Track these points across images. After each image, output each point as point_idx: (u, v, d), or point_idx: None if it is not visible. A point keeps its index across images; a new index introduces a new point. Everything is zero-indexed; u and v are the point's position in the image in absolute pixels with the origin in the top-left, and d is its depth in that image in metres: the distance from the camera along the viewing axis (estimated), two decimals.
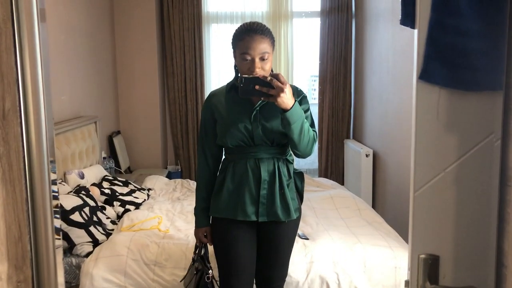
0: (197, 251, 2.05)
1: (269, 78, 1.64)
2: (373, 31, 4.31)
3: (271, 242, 1.97)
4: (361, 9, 4.73)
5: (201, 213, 1.98)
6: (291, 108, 1.69)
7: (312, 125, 1.93)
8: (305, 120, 1.80)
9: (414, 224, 1.17)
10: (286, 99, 1.66)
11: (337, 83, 5.04)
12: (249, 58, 1.76)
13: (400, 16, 1.22)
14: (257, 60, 1.75)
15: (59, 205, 1.04)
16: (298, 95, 1.90)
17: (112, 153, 4.32)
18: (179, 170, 4.92)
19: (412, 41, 2.30)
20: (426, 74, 1.13)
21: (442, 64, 1.11)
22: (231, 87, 1.91)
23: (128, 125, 4.78)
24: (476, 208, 1.10)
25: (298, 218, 2.01)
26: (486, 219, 1.09)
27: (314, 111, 5.83)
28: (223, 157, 1.99)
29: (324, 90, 5.09)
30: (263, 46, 1.76)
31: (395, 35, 3.73)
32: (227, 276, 1.95)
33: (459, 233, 1.13)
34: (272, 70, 1.87)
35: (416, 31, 1.15)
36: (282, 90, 1.64)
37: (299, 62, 5.52)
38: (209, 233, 1.99)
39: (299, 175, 2.01)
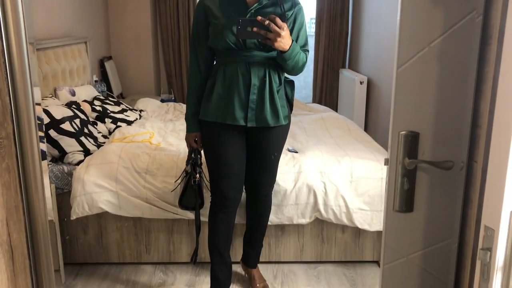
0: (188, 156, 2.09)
1: (266, 22, 1.66)
2: None
3: (260, 147, 1.99)
4: None
5: (192, 118, 1.99)
6: (288, 49, 1.74)
7: (305, 44, 1.91)
8: (299, 51, 1.81)
9: (396, 101, 1.18)
10: (283, 42, 1.70)
11: (335, 11, 4.91)
12: None
13: None
14: None
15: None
16: (293, 5, 1.87)
17: (104, 77, 4.27)
18: (173, 98, 4.89)
19: None
20: None
21: None
22: None
23: (119, 51, 4.69)
24: (456, 84, 1.10)
25: (288, 125, 2.02)
26: (464, 95, 1.10)
27: (311, 41, 5.73)
28: (215, 62, 1.98)
29: (322, 19, 4.96)
30: None
31: None
32: (217, 178, 1.99)
33: (439, 110, 1.14)
34: None
35: None
36: (279, 35, 1.67)
37: None
38: (199, 138, 2.01)
39: (290, 83, 2.00)
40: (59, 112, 2.46)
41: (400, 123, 1.19)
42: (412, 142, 1.18)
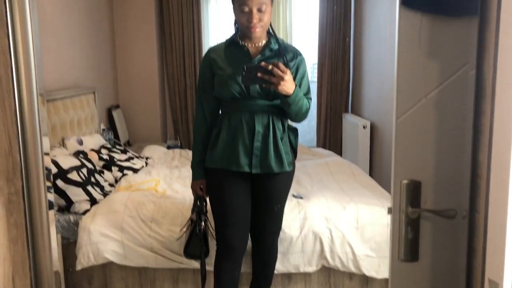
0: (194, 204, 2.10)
1: (270, 67, 1.71)
2: (371, 4, 4.30)
3: (265, 194, 2.01)
4: None
5: (198, 166, 2.02)
6: (292, 94, 1.77)
7: (307, 92, 1.97)
8: (303, 97, 1.86)
9: (397, 151, 1.20)
10: (287, 86, 1.74)
11: (336, 58, 5.04)
12: (246, 9, 1.80)
13: None
14: (254, 10, 1.80)
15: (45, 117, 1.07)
16: (295, 56, 1.94)
17: (111, 125, 4.35)
18: (179, 145, 4.95)
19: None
20: (408, 0, 1.15)
21: None
22: (231, 42, 1.94)
23: (127, 99, 4.81)
24: (455, 135, 1.12)
25: (292, 172, 2.04)
26: (463, 145, 1.12)
27: (313, 87, 5.84)
28: (220, 111, 2.03)
29: (323, 65, 5.09)
30: None
31: (392, 7, 3.73)
32: (223, 226, 1.99)
33: (439, 158, 1.16)
34: (271, 26, 1.91)
35: None
36: (282, 79, 1.71)
37: (299, 39, 5.52)
38: (204, 186, 2.03)
39: (294, 131, 2.04)
40: (67, 162, 2.50)
41: (402, 172, 1.20)
42: (414, 191, 1.19)
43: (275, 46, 1.91)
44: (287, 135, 1.99)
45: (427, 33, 1.14)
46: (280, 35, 5.05)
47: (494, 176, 0.83)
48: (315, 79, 5.29)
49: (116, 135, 4.33)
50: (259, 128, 1.89)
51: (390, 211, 1.24)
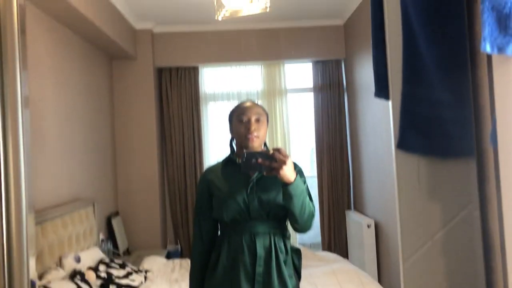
0: None
1: (271, 152, 1.68)
2: (365, 104, 4.44)
3: None
4: (352, 83, 4.91)
5: None
6: (293, 181, 1.70)
7: (310, 198, 1.93)
8: (305, 190, 1.80)
9: None
10: (288, 172, 1.68)
11: (334, 154, 5.10)
12: (245, 119, 1.84)
13: (374, 89, 1.28)
14: (253, 120, 1.83)
15: None
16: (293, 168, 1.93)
17: (110, 234, 4.26)
18: (179, 249, 4.82)
19: None
20: (403, 143, 1.16)
21: (417, 133, 1.14)
22: (227, 161, 1.94)
23: (126, 205, 4.77)
24: (465, 276, 1.07)
25: None
26: (474, 286, 1.06)
27: (314, 183, 5.85)
28: (219, 233, 1.97)
29: (322, 161, 5.13)
30: (258, 110, 1.87)
31: (386, 107, 3.84)
32: None
33: None
34: (266, 145, 1.93)
35: (390, 102, 1.20)
36: (284, 163, 1.66)
37: (297, 134, 5.64)
38: None
39: (297, 252, 1.95)
40: None
41: None
42: None
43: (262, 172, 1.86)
44: (291, 257, 1.91)
45: (426, 175, 1.14)
46: (278, 134, 5.16)
47: None
48: (315, 175, 5.31)
49: (115, 244, 4.23)
50: (260, 251, 1.81)
51: None
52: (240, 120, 1.85)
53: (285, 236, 1.88)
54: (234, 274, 1.81)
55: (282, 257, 1.84)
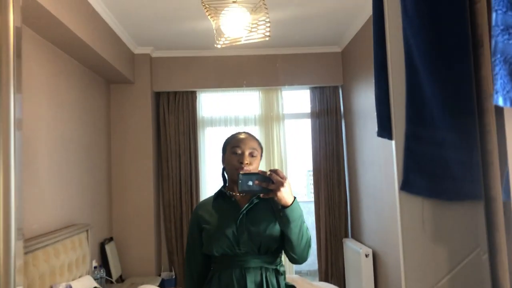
0: None
1: (268, 173, 1.61)
2: (363, 131, 4.43)
3: None
4: (349, 110, 4.92)
5: None
6: (291, 204, 1.62)
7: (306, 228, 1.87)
8: (302, 215, 1.71)
9: None
10: (286, 194, 1.60)
11: (332, 181, 5.07)
12: (239, 151, 1.79)
13: (377, 129, 1.26)
14: (246, 153, 1.78)
15: None
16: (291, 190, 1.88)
17: (103, 261, 4.18)
18: (173, 276, 4.73)
19: None
20: (407, 185, 1.13)
21: (421, 175, 1.11)
22: (218, 195, 1.89)
23: (121, 231, 4.69)
24: None
25: None
26: None
27: (311, 208, 5.79)
28: (211, 268, 1.90)
29: (319, 188, 5.09)
30: (252, 143, 1.82)
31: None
32: None
33: None
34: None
35: (393, 142, 1.17)
36: (282, 185, 1.58)
37: (294, 158, 5.61)
38: None
39: None
40: None
41: None
42: None
43: (259, 194, 1.77)
44: None
45: (431, 217, 1.10)
46: (275, 158, 5.13)
47: None
48: (312, 199, 5.26)
49: (109, 271, 4.14)
50: (251, 287, 1.73)
51: None
52: (233, 152, 1.80)
53: (278, 272, 1.79)
54: None
55: None
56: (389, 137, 1.20)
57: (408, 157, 1.14)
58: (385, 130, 1.21)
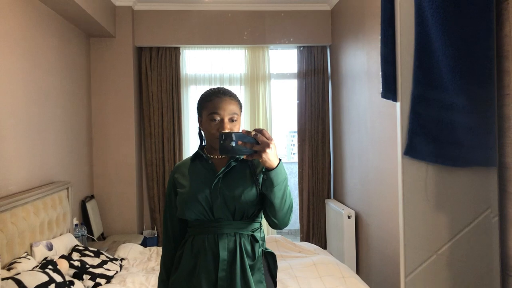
0: None
1: (253, 133, 1.49)
2: (350, 92, 4.37)
3: None
4: (336, 71, 4.83)
5: None
6: (276, 166, 1.52)
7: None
8: (287, 179, 1.63)
9: None
10: (272, 155, 1.49)
11: (316, 142, 5.05)
12: (218, 118, 1.65)
13: (381, 89, 1.19)
14: (226, 120, 1.65)
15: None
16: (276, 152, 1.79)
17: (84, 219, 4.12)
18: (156, 235, 4.72)
19: (389, 102, 2.26)
20: (411, 150, 1.07)
21: (427, 139, 1.05)
22: (195, 156, 1.77)
23: (102, 188, 4.62)
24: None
25: None
26: None
27: (294, 169, 5.79)
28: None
29: (303, 149, 5.08)
30: (232, 107, 1.68)
31: (372, 96, 3.78)
32: None
33: None
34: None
35: (398, 104, 1.11)
36: (267, 145, 1.48)
37: (278, 119, 5.55)
38: None
39: (271, 256, 1.77)
40: (32, 279, 2.27)
41: None
42: None
43: (241, 156, 1.64)
44: (262, 262, 1.70)
45: (435, 184, 1.06)
46: (261, 119, 5.06)
47: None
48: (296, 161, 5.26)
49: (90, 229, 4.09)
50: (223, 255, 1.63)
51: None
52: (211, 119, 1.66)
53: (254, 238, 1.70)
54: (195, 279, 1.64)
55: (248, 261, 1.66)
56: (394, 98, 1.14)
57: (414, 121, 1.08)
58: (390, 91, 1.14)
